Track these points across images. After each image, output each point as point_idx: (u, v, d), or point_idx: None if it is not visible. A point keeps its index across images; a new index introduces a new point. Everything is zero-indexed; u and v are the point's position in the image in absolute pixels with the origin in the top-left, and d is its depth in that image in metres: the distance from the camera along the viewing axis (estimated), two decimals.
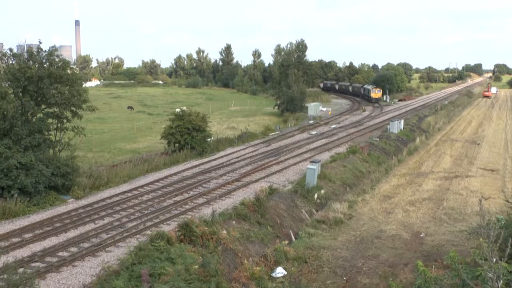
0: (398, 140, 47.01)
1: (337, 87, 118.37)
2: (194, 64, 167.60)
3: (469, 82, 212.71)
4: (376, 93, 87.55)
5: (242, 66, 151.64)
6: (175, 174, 30.77)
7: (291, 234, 22.44)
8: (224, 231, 18.64)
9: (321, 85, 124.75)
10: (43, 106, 26.35)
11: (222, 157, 36.67)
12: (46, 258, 17.22)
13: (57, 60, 26.29)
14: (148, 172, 31.57)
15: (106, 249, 18.23)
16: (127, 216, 22.02)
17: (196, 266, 14.89)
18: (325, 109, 76.56)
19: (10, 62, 26.69)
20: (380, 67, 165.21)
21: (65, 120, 27.09)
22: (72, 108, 27.06)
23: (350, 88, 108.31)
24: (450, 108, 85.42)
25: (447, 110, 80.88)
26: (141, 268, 13.86)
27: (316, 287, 16.91)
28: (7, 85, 25.07)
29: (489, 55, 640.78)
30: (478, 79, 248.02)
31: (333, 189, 29.71)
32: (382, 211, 26.63)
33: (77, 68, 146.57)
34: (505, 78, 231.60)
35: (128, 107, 76.05)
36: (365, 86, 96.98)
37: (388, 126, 51.61)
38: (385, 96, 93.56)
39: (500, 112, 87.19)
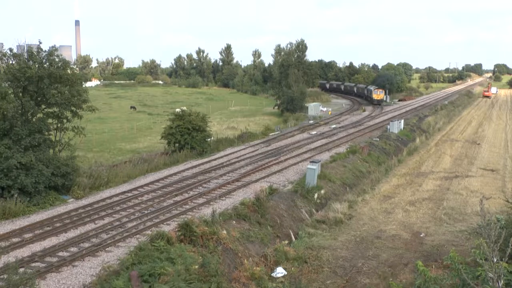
0: (398, 140, 47.00)
1: (342, 88, 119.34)
2: (194, 64, 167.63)
3: (469, 82, 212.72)
4: (378, 95, 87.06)
5: (242, 66, 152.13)
6: (175, 174, 30.77)
7: (291, 234, 22.44)
8: (224, 231, 18.63)
9: (327, 85, 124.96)
10: (43, 106, 26.30)
11: (222, 157, 36.66)
12: (46, 258, 17.21)
13: (57, 60, 26.25)
14: (148, 172, 31.56)
15: (106, 249, 18.23)
16: (127, 216, 22.02)
17: (196, 266, 14.89)
18: (325, 109, 76.51)
19: (10, 62, 26.64)
20: (380, 67, 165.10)
21: (65, 120, 27.06)
22: (72, 108, 27.04)
23: (355, 89, 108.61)
24: (450, 108, 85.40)
25: (447, 110, 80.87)
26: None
27: (316, 287, 16.91)
28: (7, 85, 25.05)
29: (489, 55, 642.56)
30: (478, 79, 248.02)
31: (333, 189, 29.70)
32: (382, 211, 26.62)
33: (77, 68, 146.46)
34: (505, 78, 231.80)
35: (131, 107, 76.12)
36: (369, 87, 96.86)
37: (388, 126, 51.56)
38: (385, 96, 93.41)
39: (500, 112, 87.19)
